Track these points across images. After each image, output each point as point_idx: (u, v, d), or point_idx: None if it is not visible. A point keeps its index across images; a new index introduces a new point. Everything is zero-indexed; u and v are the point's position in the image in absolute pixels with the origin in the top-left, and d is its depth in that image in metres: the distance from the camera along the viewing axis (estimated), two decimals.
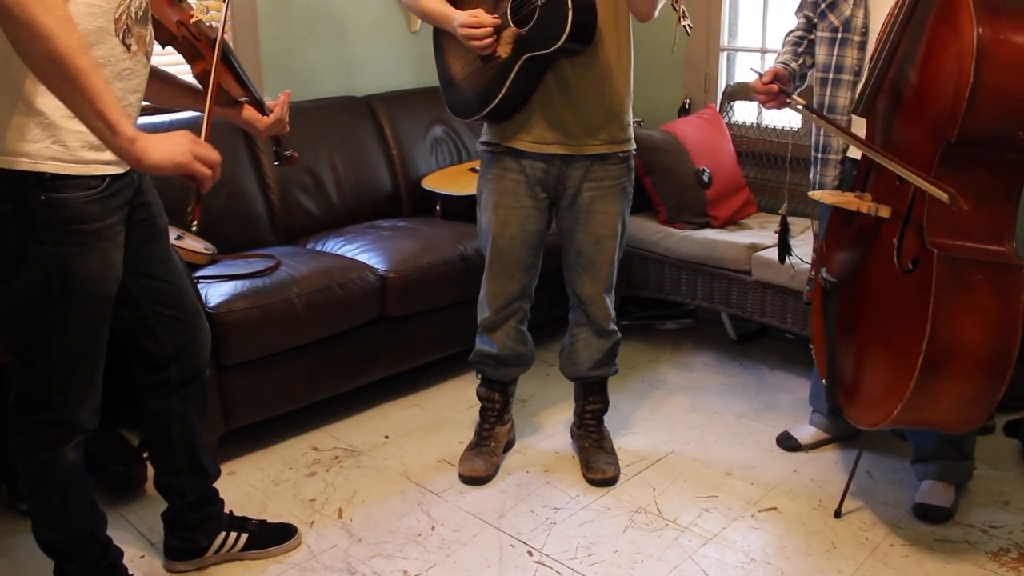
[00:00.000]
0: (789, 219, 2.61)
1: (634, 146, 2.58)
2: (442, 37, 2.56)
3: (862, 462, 2.67)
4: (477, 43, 2.34)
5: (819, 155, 2.52)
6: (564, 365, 2.80)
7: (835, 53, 2.41)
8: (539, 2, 2.23)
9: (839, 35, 2.39)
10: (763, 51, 3.84)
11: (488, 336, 2.71)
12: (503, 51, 2.36)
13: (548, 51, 2.25)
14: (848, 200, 2.28)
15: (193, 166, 1.70)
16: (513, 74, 2.34)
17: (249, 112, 2.16)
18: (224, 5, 2.04)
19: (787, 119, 3.71)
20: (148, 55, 1.84)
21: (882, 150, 2.16)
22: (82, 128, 1.68)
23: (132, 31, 1.75)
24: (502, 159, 2.54)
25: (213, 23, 2.00)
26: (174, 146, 1.68)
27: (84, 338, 1.86)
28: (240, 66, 2.11)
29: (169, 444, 2.16)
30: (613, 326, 2.70)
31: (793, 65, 2.53)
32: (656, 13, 2.33)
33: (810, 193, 2.37)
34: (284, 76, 3.67)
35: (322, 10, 3.73)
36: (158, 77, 2.02)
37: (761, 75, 2.44)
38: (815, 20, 2.49)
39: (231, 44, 3.48)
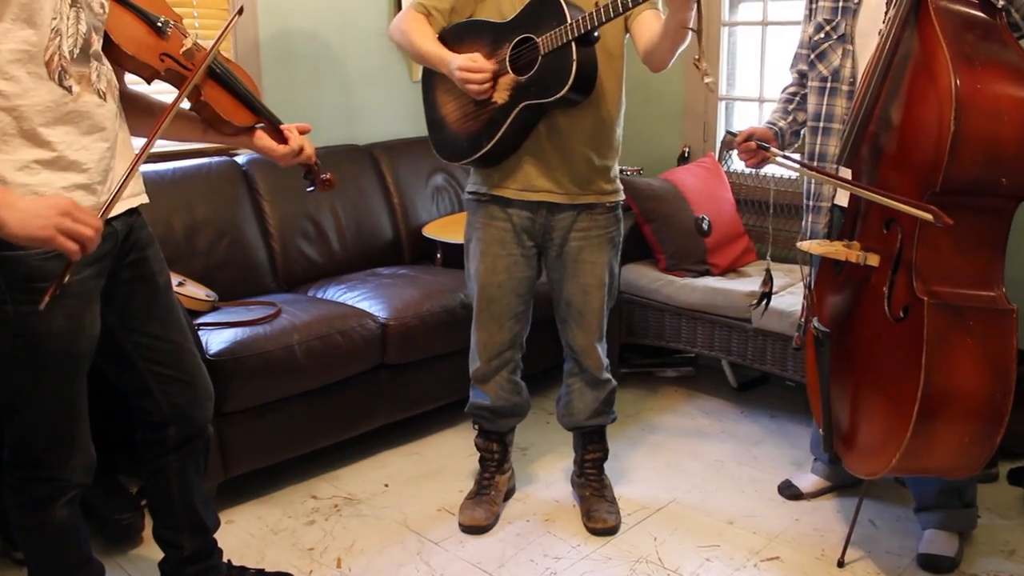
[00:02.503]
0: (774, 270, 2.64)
1: (622, 196, 2.59)
2: (434, 78, 2.56)
3: (866, 511, 2.65)
4: (475, 87, 2.34)
5: (811, 203, 2.53)
6: (561, 416, 2.79)
7: (825, 102, 2.44)
8: (541, 52, 2.26)
9: (828, 84, 2.43)
10: (761, 100, 3.88)
11: (481, 388, 2.70)
12: (500, 97, 2.37)
13: (549, 100, 2.27)
14: (837, 250, 2.28)
15: (57, 240, 1.51)
16: (509, 121, 2.36)
17: (262, 140, 2.04)
18: (229, 23, 1.87)
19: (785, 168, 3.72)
20: (103, 94, 1.75)
21: (867, 185, 2.16)
22: (29, 180, 1.63)
23: (69, 71, 1.66)
24: (488, 207, 2.55)
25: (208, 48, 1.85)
26: (34, 217, 1.49)
27: (59, 398, 1.83)
28: (243, 88, 1.98)
29: (168, 500, 2.14)
30: (607, 375, 2.69)
31: (781, 124, 2.55)
32: (671, 64, 2.32)
33: (798, 244, 2.37)
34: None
35: (324, 59, 3.78)
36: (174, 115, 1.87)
37: (735, 135, 2.44)
38: (808, 72, 2.52)
39: None
